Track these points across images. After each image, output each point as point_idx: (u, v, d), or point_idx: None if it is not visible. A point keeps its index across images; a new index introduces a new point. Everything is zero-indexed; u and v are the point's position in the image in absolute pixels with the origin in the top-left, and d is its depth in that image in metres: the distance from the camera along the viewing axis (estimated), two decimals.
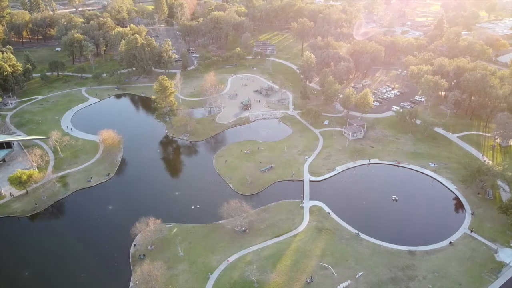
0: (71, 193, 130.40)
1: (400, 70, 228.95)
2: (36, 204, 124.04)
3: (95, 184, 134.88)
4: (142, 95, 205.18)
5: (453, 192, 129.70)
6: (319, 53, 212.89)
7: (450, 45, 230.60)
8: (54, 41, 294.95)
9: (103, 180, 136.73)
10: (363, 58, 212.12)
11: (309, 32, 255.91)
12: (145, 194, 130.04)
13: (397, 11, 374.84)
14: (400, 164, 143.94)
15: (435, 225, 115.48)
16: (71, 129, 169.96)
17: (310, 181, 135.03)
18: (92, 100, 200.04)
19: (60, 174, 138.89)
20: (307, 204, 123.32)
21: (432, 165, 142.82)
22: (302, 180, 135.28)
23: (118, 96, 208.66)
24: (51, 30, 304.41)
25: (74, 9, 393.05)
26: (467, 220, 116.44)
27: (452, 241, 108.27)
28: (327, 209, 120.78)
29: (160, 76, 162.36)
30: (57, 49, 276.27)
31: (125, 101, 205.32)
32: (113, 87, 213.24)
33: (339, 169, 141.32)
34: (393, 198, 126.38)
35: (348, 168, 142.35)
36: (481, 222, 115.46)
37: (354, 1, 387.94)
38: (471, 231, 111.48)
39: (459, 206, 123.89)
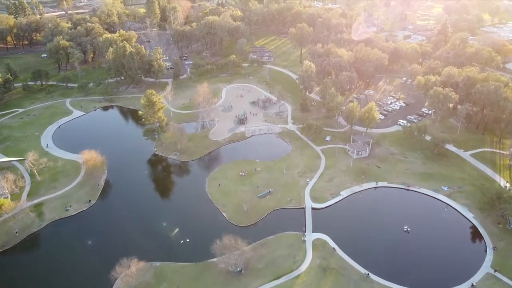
0: (47, 225, 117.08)
1: (404, 78, 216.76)
2: (16, 232, 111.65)
3: (74, 213, 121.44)
4: (131, 107, 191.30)
5: (470, 221, 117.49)
6: (319, 61, 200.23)
7: (456, 52, 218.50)
8: (40, 46, 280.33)
9: (83, 209, 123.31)
10: (366, 66, 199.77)
11: (308, 38, 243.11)
12: (129, 225, 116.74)
13: (398, 14, 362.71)
14: (410, 188, 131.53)
15: (453, 262, 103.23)
16: (51, 147, 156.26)
17: (313, 208, 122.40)
18: (77, 113, 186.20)
19: (35, 201, 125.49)
20: (310, 237, 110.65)
21: (446, 188, 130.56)
22: (304, 208, 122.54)
23: (105, 108, 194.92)
24: (38, 35, 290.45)
25: (63, 12, 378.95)
26: (489, 257, 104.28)
27: (474, 283, 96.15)
28: (332, 243, 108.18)
29: (148, 90, 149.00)
30: (43, 55, 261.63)
31: (112, 114, 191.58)
32: (100, 99, 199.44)
33: (344, 194, 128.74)
34: (405, 229, 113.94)
35: (354, 193, 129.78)
36: (504, 258, 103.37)
37: (353, 4, 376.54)
38: (495, 270, 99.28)
39: (478, 238, 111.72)
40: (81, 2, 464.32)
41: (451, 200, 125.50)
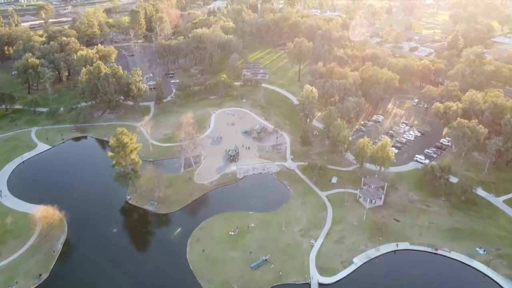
0: None
1: (416, 100, 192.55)
2: None
3: None
4: (105, 138, 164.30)
5: None
6: (321, 83, 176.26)
7: (473, 70, 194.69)
8: (12, 61, 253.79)
9: (31, 287, 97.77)
10: (374, 89, 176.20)
11: (307, 54, 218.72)
12: None
13: (402, 23, 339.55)
14: (439, 252, 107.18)
15: None
16: (5, 195, 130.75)
17: (320, 284, 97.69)
18: (41, 147, 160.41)
19: None
20: None
21: (481, 251, 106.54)
22: (309, 284, 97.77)
23: (76, 139, 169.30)
24: (10, 48, 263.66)
25: (43, 21, 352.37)
26: None
27: None
28: None
29: (118, 129, 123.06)
30: (13, 73, 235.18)
31: (82, 148, 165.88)
32: (71, 127, 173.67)
33: (357, 261, 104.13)
34: None
35: (370, 259, 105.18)
36: None
37: (353, 12, 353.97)
38: None
39: None
40: (65, 10, 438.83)
41: (490, 270, 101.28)
